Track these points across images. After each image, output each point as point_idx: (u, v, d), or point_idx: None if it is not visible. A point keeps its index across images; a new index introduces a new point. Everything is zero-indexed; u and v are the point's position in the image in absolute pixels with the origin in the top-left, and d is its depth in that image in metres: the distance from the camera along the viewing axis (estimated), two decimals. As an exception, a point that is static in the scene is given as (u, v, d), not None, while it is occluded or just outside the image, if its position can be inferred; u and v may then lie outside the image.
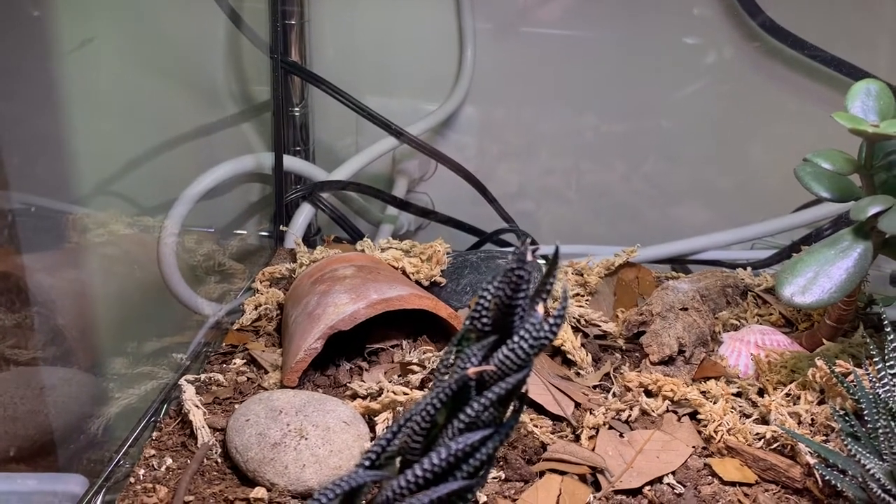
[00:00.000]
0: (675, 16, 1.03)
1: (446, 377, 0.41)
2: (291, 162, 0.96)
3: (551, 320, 0.38)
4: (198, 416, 0.58)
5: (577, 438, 0.60)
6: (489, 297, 0.39)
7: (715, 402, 0.63)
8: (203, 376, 0.64)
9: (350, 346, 0.70)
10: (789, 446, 0.58)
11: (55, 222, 0.72)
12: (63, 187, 0.71)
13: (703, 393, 0.64)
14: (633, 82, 1.07)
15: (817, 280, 0.60)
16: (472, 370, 0.38)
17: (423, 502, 0.37)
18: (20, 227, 0.67)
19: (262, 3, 0.99)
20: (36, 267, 0.69)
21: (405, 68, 1.13)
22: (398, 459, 0.41)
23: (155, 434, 0.58)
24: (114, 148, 0.79)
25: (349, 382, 0.66)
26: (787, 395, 0.63)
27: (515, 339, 0.38)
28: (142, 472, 0.55)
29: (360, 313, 0.65)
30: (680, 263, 1.00)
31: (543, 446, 0.59)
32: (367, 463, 0.40)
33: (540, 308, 0.39)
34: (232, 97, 1.04)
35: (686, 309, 0.72)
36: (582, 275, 0.84)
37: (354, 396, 0.64)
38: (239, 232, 1.01)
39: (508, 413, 0.41)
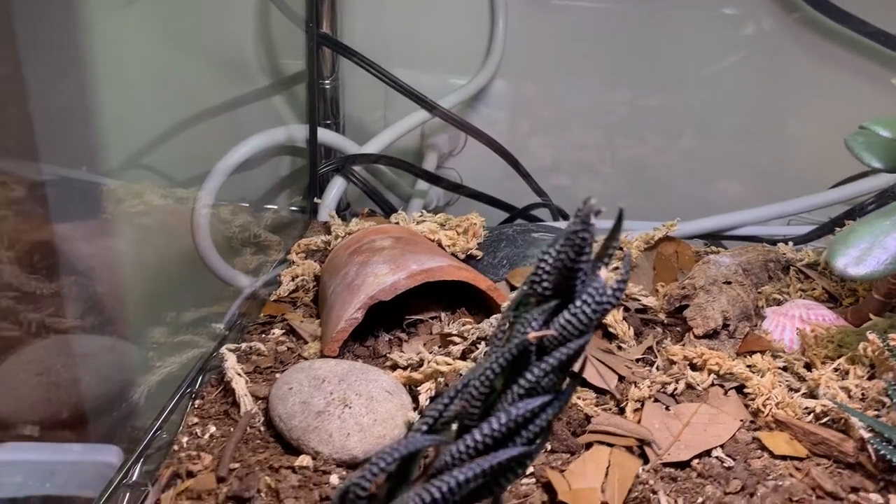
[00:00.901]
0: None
1: (503, 342, 0.40)
2: (324, 135, 0.96)
3: (614, 284, 0.37)
4: (240, 385, 0.58)
5: (621, 411, 0.60)
6: (550, 261, 0.38)
7: (762, 376, 0.61)
8: (244, 345, 0.63)
9: (388, 318, 0.69)
10: (842, 420, 0.56)
11: (89, 193, 0.71)
12: (94, 159, 0.71)
13: (749, 367, 0.63)
14: (668, 55, 1.05)
15: (872, 251, 0.58)
16: (532, 335, 0.37)
17: (483, 467, 0.36)
18: (55, 196, 0.67)
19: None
20: (74, 236, 0.69)
21: (435, 41, 1.11)
22: (455, 425, 0.40)
23: (197, 402, 0.58)
24: (144, 120, 0.79)
25: (389, 353, 0.65)
26: (836, 369, 0.62)
27: (578, 303, 0.37)
28: (185, 439, 0.54)
29: (400, 284, 0.64)
30: (716, 239, 0.98)
31: (588, 418, 0.58)
32: (424, 427, 0.39)
33: (602, 272, 0.38)
34: (262, 69, 1.03)
35: (729, 283, 0.71)
36: (621, 249, 0.83)
37: (395, 367, 0.63)
38: (270, 206, 1.01)
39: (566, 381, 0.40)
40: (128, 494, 0.51)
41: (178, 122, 0.82)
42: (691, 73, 1.05)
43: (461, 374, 0.60)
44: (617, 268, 0.77)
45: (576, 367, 0.39)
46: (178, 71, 0.82)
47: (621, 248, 0.84)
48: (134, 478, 0.52)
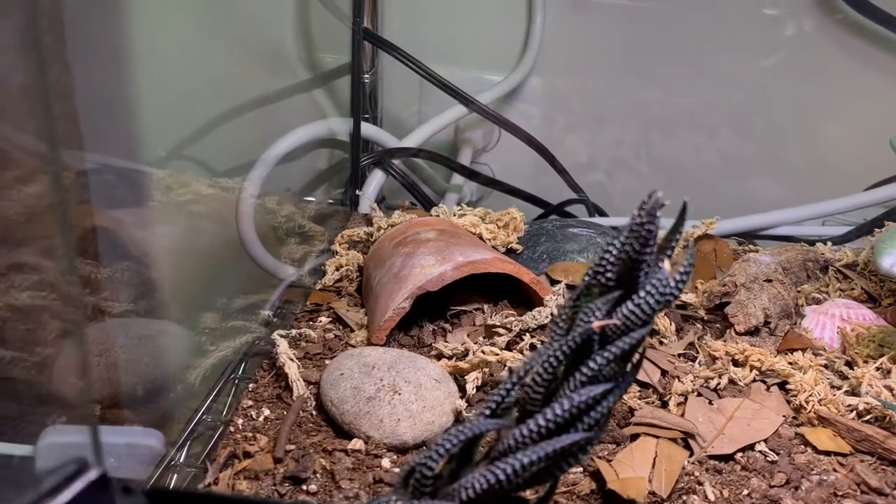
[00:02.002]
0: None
1: (563, 330, 0.41)
2: (365, 128, 0.97)
3: (677, 276, 0.38)
4: (293, 370, 0.59)
5: (664, 405, 0.60)
6: (615, 252, 0.39)
7: (804, 373, 0.62)
8: (294, 332, 0.65)
9: (431, 308, 0.70)
10: (886, 418, 0.57)
11: (137, 181, 0.73)
12: (139, 149, 0.73)
13: (791, 364, 0.64)
14: (707, 53, 1.05)
15: (918, 251, 0.59)
16: (597, 324, 0.38)
17: (546, 451, 0.38)
18: (104, 184, 0.69)
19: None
20: (129, 221, 0.70)
21: (471, 37, 1.12)
22: (515, 410, 0.41)
23: (251, 386, 0.59)
24: (187, 112, 0.81)
25: (434, 342, 0.66)
26: (878, 368, 0.63)
27: (642, 294, 0.38)
28: (241, 421, 0.56)
29: (447, 275, 0.65)
30: (752, 238, 0.98)
31: (631, 411, 0.59)
32: (487, 412, 0.40)
33: (665, 264, 0.39)
34: (302, 62, 1.05)
35: (770, 281, 0.72)
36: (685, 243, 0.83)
37: (440, 356, 0.64)
38: (309, 198, 1.02)
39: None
40: (175, 475, 0.53)
41: (219, 115, 0.84)
42: (729, 71, 1.05)
43: (506, 365, 0.61)
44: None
45: (634, 357, 0.40)
46: (218, 64, 0.83)
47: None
48: (181, 459, 0.54)
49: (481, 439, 0.40)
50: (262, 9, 0.97)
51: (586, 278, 0.41)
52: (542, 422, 0.38)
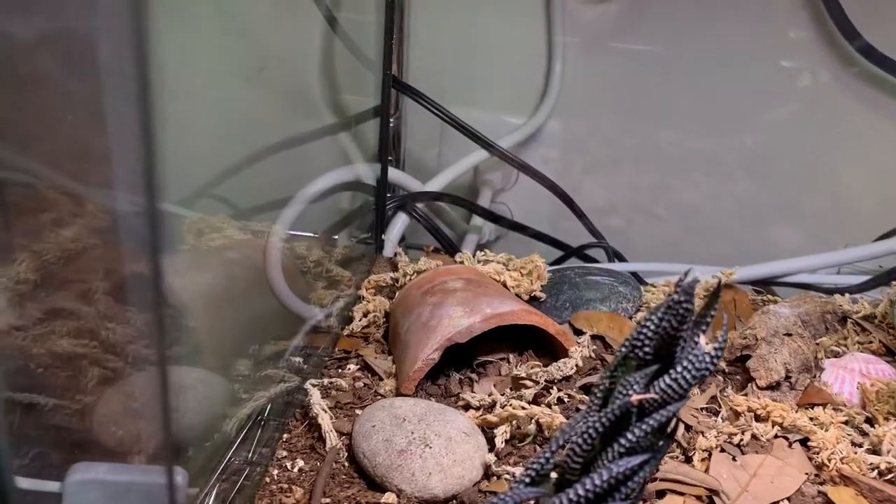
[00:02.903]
0: (769, 37, 1.03)
1: (600, 401, 0.43)
2: (392, 173, 0.99)
3: (713, 351, 0.40)
4: (326, 421, 0.61)
5: (688, 460, 0.62)
6: (652, 327, 0.40)
7: (826, 430, 0.63)
8: (325, 381, 0.66)
9: (457, 357, 0.72)
10: (909, 479, 0.58)
11: (170, 226, 0.75)
12: (166, 190, 0.75)
13: (812, 419, 0.65)
14: (724, 100, 1.07)
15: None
16: (635, 398, 0.40)
17: (586, 521, 0.39)
18: (138, 228, 0.70)
19: (364, 14, 1.02)
20: (167, 269, 0.72)
21: (492, 81, 1.15)
22: (553, 478, 0.43)
23: (285, 436, 0.61)
24: (215, 154, 0.83)
25: (461, 392, 0.68)
26: (898, 426, 0.64)
27: (679, 369, 0.39)
28: (276, 472, 0.57)
29: (475, 327, 0.67)
30: (766, 285, 1.00)
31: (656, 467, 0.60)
32: (527, 479, 0.42)
33: (702, 339, 0.40)
34: (328, 106, 1.07)
35: (790, 334, 0.73)
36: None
37: (467, 407, 0.66)
38: (333, 242, 1.04)
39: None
40: None
41: (247, 156, 0.86)
42: (746, 119, 1.07)
43: (532, 419, 0.63)
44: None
45: (669, 427, 0.42)
46: (243, 105, 0.85)
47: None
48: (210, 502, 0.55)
49: (521, 506, 0.42)
50: (287, 52, 0.99)
51: (623, 350, 0.42)
52: (581, 492, 0.39)
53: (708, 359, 0.39)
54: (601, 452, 0.41)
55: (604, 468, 0.40)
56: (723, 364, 0.74)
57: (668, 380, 0.39)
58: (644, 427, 0.39)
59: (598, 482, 0.39)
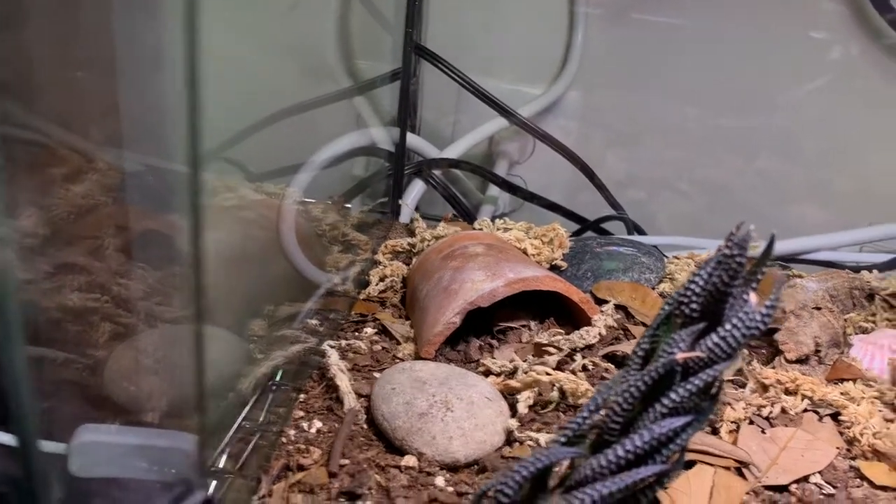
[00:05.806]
0: (799, 8, 1.01)
1: (641, 360, 0.41)
2: (410, 138, 0.97)
3: (763, 310, 0.38)
4: (344, 382, 0.59)
5: (714, 431, 0.60)
6: (701, 283, 0.38)
7: (858, 405, 0.61)
8: (343, 342, 0.65)
9: (476, 323, 0.70)
10: (945, 455, 0.56)
11: (181, 184, 0.73)
12: (177, 152, 0.73)
13: (843, 394, 0.63)
14: (750, 74, 1.05)
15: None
16: (681, 356, 0.38)
17: (627, 483, 0.37)
18: (150, 186, 0.68)
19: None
20: (179, 226, 0.70)
21: (511, 50, 1.12)
22: (589, 438, 0.41)
23: (302, 396, 0.59)
24: (229, 116, 0.80)
25: (481, 358, 0.66)
26: (931, 402, 0.62)
27: (728, 326, 0.37)
28: (293, 432, 0.56)
29: (499, 291, 0.65)
30: (789, 262, 0.98)
31: (683, 436, 0.58)
32: (562, 439, 0.40)
33: (752, 296, 0.39)
34: (344, 70, 1.05)
35: (819, 308, 0.71)
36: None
37: (487, 373, 0.64)
38: (349, 206, 1.02)
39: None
40: (214, 481, 0.52)
41: (262, 118, 0.84)
42: (773, 93, 1.05)
43: (556, 386, 0.61)
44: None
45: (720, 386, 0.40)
46: (259, 69, 0.83)
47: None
48: (220, 465, 0.53)
49: (555, 466, 0.40)
50: (304, 14, 0.97)
51: (667, 307, 0.40)
52: (621, 453, 0.38)
53: (759, 317, 0.37)
54: (641, 413, 0.39)
55: (645, 429, 0.38)
56: (749, 337, 0.72)
57: (716, 338, 0.38)
58: (689, 387, 0.38)
59: (639, 443, 0.37)
